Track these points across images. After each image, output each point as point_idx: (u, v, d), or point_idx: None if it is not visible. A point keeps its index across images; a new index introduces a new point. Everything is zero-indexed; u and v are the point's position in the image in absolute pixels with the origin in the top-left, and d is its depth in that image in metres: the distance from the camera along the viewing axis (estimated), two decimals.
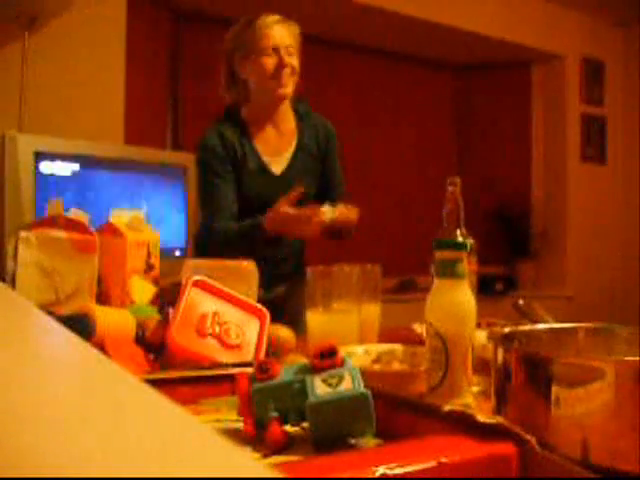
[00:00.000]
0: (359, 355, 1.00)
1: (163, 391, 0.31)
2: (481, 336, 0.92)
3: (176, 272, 1.19)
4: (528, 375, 0.67)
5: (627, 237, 4.66)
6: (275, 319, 1.08)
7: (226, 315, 1.00)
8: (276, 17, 1.80)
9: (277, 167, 1.85)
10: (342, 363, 0.64)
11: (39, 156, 2.36)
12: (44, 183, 2.36)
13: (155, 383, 0.65)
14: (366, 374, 0.66)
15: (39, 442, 0.24)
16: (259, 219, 1.64)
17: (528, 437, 0.53)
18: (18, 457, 0.22)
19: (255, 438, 0.63)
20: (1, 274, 1.24)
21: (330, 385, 0.62)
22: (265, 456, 0.60)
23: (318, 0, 3.66)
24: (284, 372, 0.65)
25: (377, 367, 0.98)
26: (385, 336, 1.21)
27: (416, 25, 3.97)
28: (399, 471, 0.47)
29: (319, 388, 0.61)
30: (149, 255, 1.18)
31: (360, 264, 1.22)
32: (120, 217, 1.19)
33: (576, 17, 4.56)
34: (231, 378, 0.71)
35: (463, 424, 0.56)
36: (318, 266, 1.18)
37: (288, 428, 0.65)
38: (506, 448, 0.53)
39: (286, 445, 0.62)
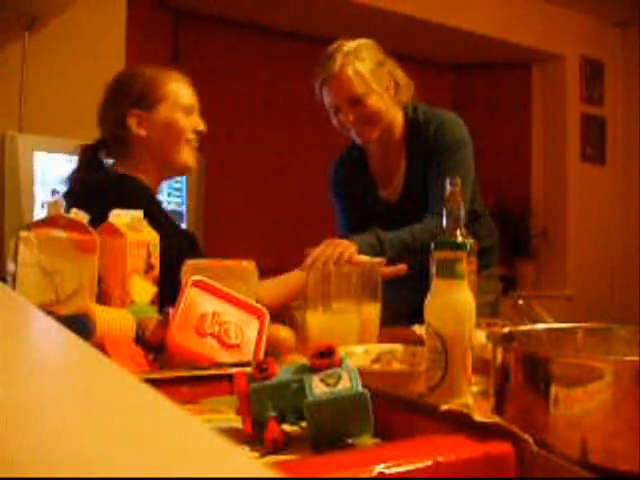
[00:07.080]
0: (359, 355, 1.00)
1: (163, 391, 0.31)
2: (481, 336, 0.93)
3: None
4: (527, 375, 0.67)
5: (627, 237, 4.65)
6: None
7: (226, 315, 1.00)
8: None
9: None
10: (340, 363, 0.64)
11: (39, 156, 2.36)
12: (44, 183, 2.36)
13: (155, 383, 0.65)
14: (366, 374, 0.66)
15: (39, 442, 0.24)
16: None
17: (525, 437, 0.53)
18: (18, 457, 0.22)
19: (254, 437, 0.63)
20: (1, 274, 1.25)
21: (328, 385, 0.62)
22: (263, 455, 0.60)
23: (318, 0, 3.66)
24: (283, 372, 0.66)
25: (377, 367, 0.98)
26: (385, 336, 1.21)
27: (416, 25, 3.96)
28: (396, 470, 0.48)
29: (317, 388, 0.62)
30: (149, 255, 1.18)
31: None
32: (120, 217, 1.19)
33: (576, 17, 4.55)
34: (230, 378, 0.72)
35: (460, 424, 0.56)
36: (318, 266, 1.18)
37: (286, 427, 0.65)
38: (503, 448, 0.53)
39: (284, 444, 0.62)
